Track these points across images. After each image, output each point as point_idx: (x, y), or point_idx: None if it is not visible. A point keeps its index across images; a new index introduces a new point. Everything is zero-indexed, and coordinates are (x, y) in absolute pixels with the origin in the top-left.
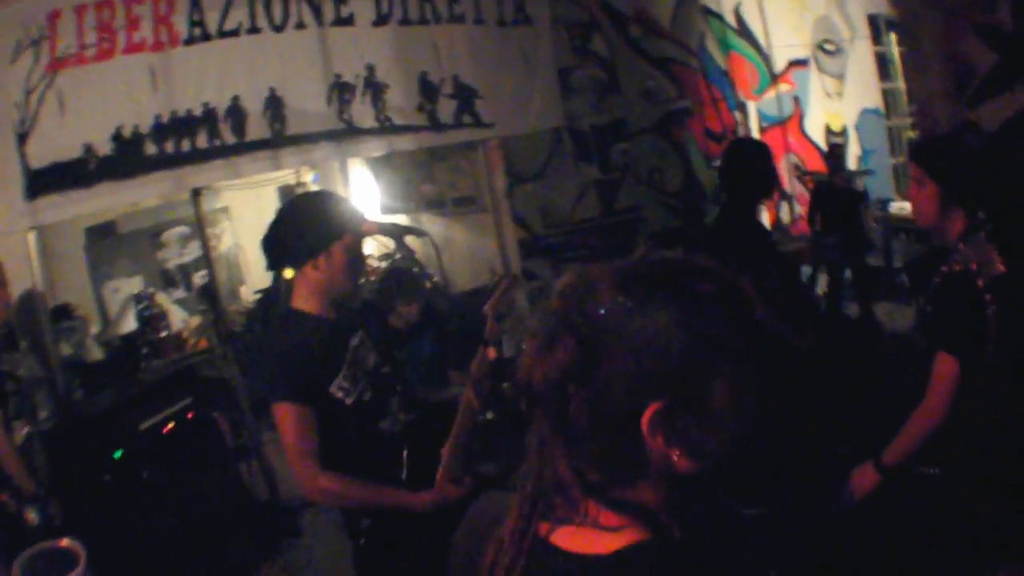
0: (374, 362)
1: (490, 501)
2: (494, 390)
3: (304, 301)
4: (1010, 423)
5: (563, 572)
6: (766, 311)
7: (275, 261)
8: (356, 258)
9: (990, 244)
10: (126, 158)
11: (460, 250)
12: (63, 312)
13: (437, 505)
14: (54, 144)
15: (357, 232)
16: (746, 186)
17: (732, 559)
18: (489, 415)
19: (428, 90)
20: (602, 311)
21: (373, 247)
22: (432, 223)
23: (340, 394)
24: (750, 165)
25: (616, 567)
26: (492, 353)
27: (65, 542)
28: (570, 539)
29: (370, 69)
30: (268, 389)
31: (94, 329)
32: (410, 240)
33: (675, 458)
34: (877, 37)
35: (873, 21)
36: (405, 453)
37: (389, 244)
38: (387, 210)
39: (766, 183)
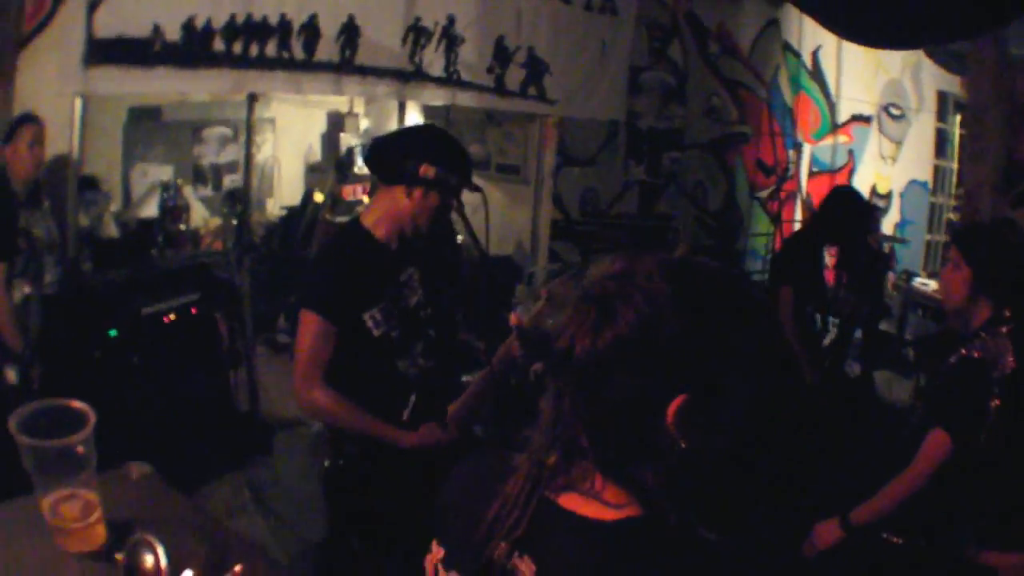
0: (416, 302)
1: (484, 458)
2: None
3: (375, 222)
4: (987, 510)
5: (566, 530)
6: (792, 338)
7: (379, 164)
8: (446, 208)
9: (1007, 340)
10: (192, 48)
11: (493, 216)
12: (88, 183)
13: (417, 445)
14: (124, 18)
15: (454, 179)
16: (834, 227)
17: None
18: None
19: (502, 54)
20: (664, 295)
21: None
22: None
23: (370, 323)
24: (854, 214)
25: (617, 532)
26: (515, 319)
27: (76, 403)
28: (574, 504)
29: (450, 20)
30: (305, 291)
31: (115, 207)
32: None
33: (682, 447)
34: (942, 114)
35: (942, 97)
36: (413, 398)
37: None
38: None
39: (852, 233)
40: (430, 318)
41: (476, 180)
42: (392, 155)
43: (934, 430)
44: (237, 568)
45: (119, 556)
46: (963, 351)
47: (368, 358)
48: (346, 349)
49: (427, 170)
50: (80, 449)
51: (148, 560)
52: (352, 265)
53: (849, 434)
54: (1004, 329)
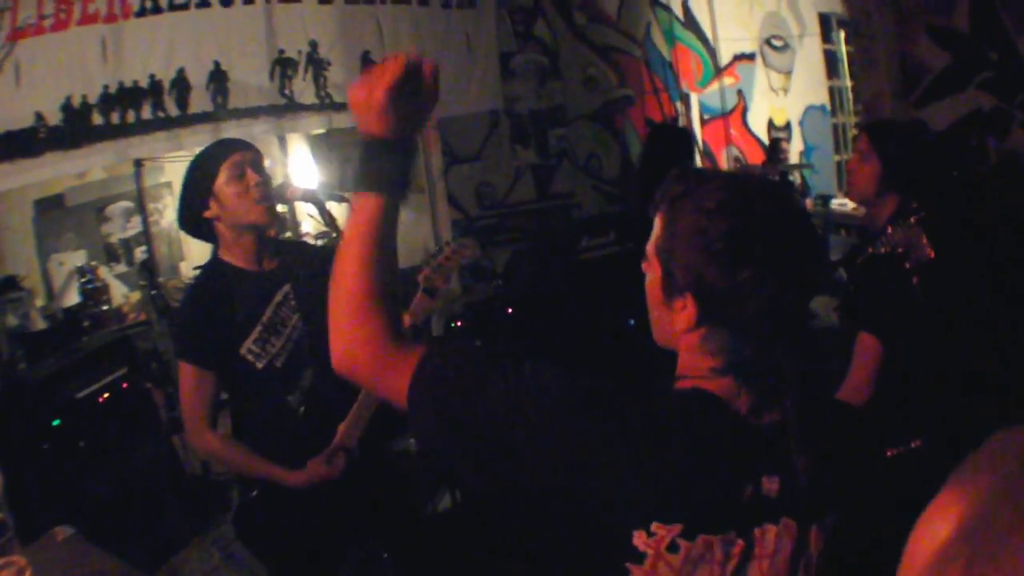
0: (295, 323)
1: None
2: None
3: (227, 251)
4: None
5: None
6: None
7: (194, 233)
8: (241, 183)
9: (920, 229)
10: (73, 128)
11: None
12: (10, 284)
13: (308, 483)
14: (8, 113)
15: (233, 160)
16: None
17: None
18: None
19: (369, 68)
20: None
21: (310, 225)
22: None
23: (250, 357)
24: (671, 149)
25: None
26: (407, 320)
27: None
28: None
29: (313, 46)
30: (174, 341)
31: (39, 302)
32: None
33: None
34: (827, 35)
35: (824, 19)
36: (302, 410)
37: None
38: (325, 188)
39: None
40: (313, 337)
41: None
42: (190, 225)
43: (861, 336)
44: None
45: None
46: (870, 249)
47: (257, 398)
48: (235, 393)
49: (212, 207)
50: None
51: None
52: (213, 302)
53: None
54: (913, 219)
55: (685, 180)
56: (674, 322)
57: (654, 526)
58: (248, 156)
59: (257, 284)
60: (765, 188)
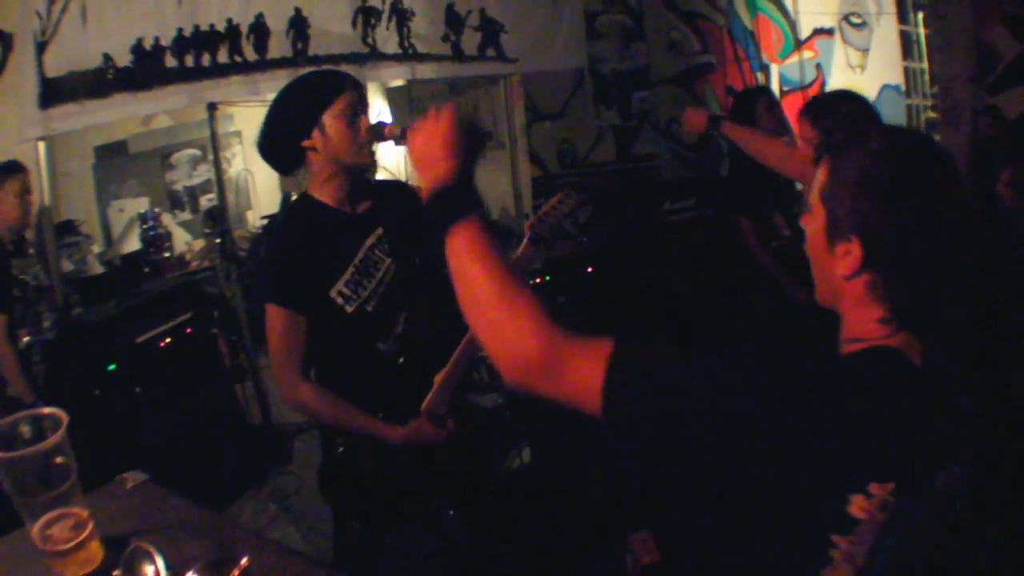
0: (387, 268)
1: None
2: None
3: (318, 189)
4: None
5: None
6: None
7: (273, 161)
8: (353, 124)
9: None
10: (145, 69)
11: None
12: (68, 228)
13: (409, 442)
14: (73, 53)
15: (350, 99)
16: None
17: None
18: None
19: (454, 20)
20: None
21: (381, 176)
22: None
23: (340, 300)
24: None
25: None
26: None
27: (47, 409)
28: None
29: None
30: (263, 285)
31: (97, 248)
32: None
33: None
34: (903, 16)
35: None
36: (401, 360)
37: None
38: (402, 141)
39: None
40: (406, 281)
41: None
42: (278, 148)
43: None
44: (243, 561)
45: (116, 573)
46: None
47: (345, 343)
48: (323, 337)
49: (315, 137)
50: (58, 459)
51: (148, 570)
52: (304, 241)
53: None
54: None
55: (848, 129)
56: (836, 268)
57: (872, 487)
58: (362, 97)
59: (349, 225)
60: (923, 137)
